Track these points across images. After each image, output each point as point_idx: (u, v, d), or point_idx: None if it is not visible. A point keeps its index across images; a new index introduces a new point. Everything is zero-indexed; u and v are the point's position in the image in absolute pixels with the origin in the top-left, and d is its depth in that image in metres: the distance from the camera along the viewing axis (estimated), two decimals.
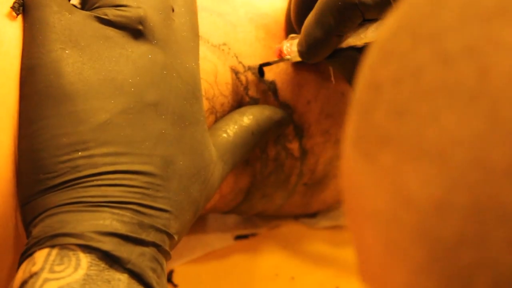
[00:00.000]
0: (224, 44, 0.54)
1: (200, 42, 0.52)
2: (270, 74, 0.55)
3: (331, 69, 0.55)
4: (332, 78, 0.56)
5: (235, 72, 0.54)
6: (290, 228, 0.66)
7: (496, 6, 0.22)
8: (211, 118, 0.53)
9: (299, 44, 0.51)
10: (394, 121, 0.23)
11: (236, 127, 0.52)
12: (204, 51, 0.53)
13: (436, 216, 0.22)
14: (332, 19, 0.48)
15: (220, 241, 0.65)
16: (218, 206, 0.59)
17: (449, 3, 0.23)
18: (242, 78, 0.54)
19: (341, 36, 0.49)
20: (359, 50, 0.50)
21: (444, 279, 0.22)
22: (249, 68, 0.55)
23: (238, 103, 0.54)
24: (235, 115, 0.53)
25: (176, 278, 0.61)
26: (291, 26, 0.54)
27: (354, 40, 0.49)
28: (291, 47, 0.53)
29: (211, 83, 0.53)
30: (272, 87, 0.55)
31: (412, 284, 0.23)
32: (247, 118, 0.52)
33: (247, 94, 0.55)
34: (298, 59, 0.52)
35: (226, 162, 0.50)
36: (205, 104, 0.52)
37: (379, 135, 0.24)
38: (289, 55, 0.53)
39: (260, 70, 0.55)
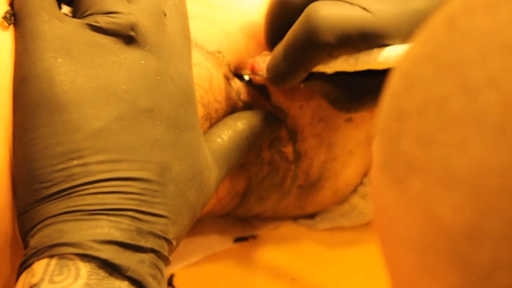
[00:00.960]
0: (219, 52, 0.54)
1: (196, 49, 0.52)
2: (261, 79, 0.55)
3: None
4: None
5: (227, 78, 0.54)
6: (289, 230, 0.66)
7: None
8: (206, 124, 0.53)
9: (267, 71, 0.52)
10: (421, 149, 0.24)
11: (230, 132, 0.52)
12: (199, 57, 0.53)
13: (469, 242, 0.22)
14: (298, 57, 0.49)
15: (220, 244, 0.65)
16: (215, 210, 0.60)
17: (469, 34, 0.24)
18: (233, 84, 0.55)
19: (308, 71, 0.50)
20: (327, 75, 0.51)
21: None
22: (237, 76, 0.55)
23: (232, 108, 0.55)
24: (229, 121, 0.53)
25: (176, 282, 0.61)
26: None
27: (324, 68, 0.50)
28: (263, 65, 0.53)
29: (206, 89, 0.53)
30: (264, 92, 0.55)
31: None
32: (240, 123, 0.53)
33: (239, 99, 0.55)
34: None
35: (221, 167, 0.50)
36: (201, 111, 0.52)
37: (407, 162, 0.25)
38: (261, 71, 0.53)
39: (240, 78, 0.55)
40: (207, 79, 0.53)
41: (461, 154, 0.23)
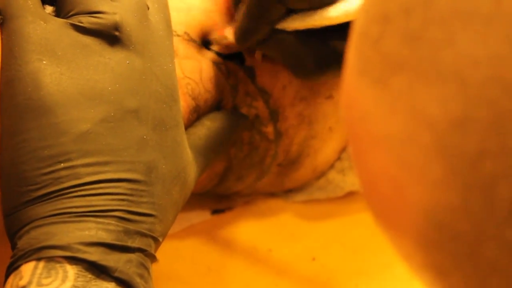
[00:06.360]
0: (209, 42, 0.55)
1: (191, 44, 0.53)
2: (248, 60, 0.57)
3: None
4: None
5: (216, 64, 0.55)
6: (266, 202, 0.67)
7: None
8: (194, 116, 0.54)
9: (234, 31, 0.54)
10: (407, 48, 0.24)
11: (206, 131, 0.53)
12: (192, 51, 0.53)
13: (455, 132, 0.23)
14: (258, 10, 0.51)
15: (198, 216, 0.65)
16: (193, 190, 0.60)
17: None
18: (223, 67, 0.55)
19: (271, 24, 0.52)
20: (289, 33, 0.52)
21: (465, 190, 0.23)
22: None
23: (220, 94, 0.55)
24: (205, 121, 0.54)
25: (156, 253, 0.62)
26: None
27: (284, 24, 0.52)
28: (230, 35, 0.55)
29: (197, 81, 0.54)
30: (250, 73, 0.56)
31: (429, 200, 0.24)
32: (216, 123, 0.54)
33: (227, 82, 0.55)
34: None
35: (198, 165, 0.50)
36: (191, 104, 0.53)
37: (390, 62, 0.25)
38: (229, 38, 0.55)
39: (205, 43, 0.56)
40: (198, 71, 0.54)
41: (449, 48, 0.23)
